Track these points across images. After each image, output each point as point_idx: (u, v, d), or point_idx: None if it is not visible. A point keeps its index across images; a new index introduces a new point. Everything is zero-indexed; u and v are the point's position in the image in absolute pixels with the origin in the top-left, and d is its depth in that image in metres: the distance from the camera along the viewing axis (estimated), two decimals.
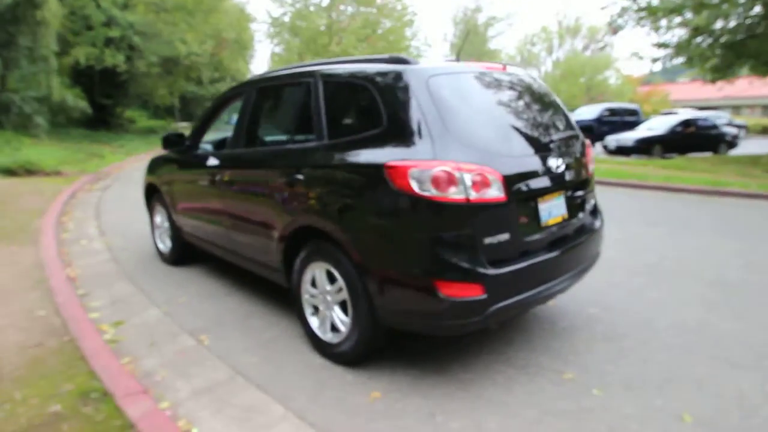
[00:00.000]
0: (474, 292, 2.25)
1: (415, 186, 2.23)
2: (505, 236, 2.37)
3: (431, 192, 2.22)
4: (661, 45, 13.10)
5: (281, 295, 3.88)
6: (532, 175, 2.51)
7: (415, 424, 2.29)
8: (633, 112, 18.59)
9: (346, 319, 2.71)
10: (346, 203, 2.53)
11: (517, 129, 2.61)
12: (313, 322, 2.95)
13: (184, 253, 4.60)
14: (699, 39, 11.99)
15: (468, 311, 2.27)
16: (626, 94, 35.34)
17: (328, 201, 2.62)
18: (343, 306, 2.74)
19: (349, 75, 2.73)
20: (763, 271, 4.37)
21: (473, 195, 2.24)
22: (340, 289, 2.69)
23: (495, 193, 2.31)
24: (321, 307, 2.87)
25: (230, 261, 3.86)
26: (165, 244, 4.76)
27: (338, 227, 2.56)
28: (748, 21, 11.17)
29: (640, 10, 11.99)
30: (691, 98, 35.89)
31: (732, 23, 11.57)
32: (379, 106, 2.49)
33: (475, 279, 2.25)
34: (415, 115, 2.35)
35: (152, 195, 4.88)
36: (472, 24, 46.04)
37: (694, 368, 2.71)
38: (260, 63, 53.36)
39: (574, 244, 2.76)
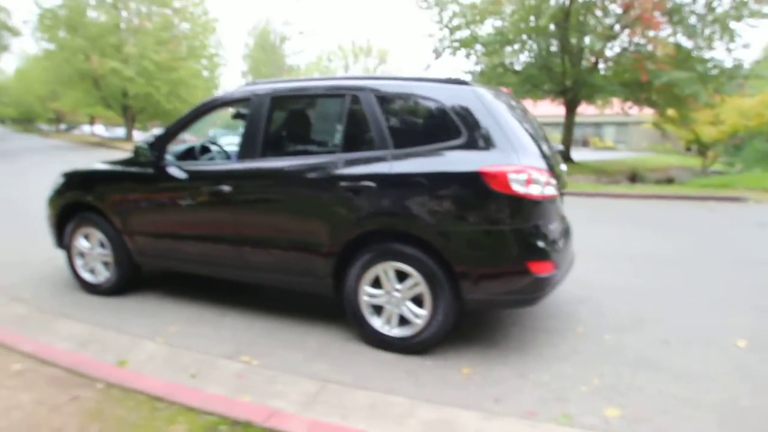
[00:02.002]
0: (550, 269, 2.85)
1: (514, 187, 2.72)
2: (555, 224, 3.03)
3: (523, 191, 2.74)
4: (468, 72, 15.86)
5: (281, 304, 3.85)
6: (559, 177, 3.23)
7: (518, 385, 2.75)
8: None
9: (423, 312, 3.00)
10: (434, 206, 2.84)
11: (536, 139, 3.30)
12: (375, 321, 3.13)
13: (132, 279, 4.04)
14: (500, 70, 14.88)
15: (544, 284, 2.85)
16: None
17: (410, 205, 2.88)
18: (414, 300, 3.02)
19: (413, 91, 3.03)
20: None
21: (545, 191, 2.84)
22: (415, 285, 2.97)
23: (553, 190, 2.95)
24: (387, 306, 3.08)
25: (227, 277, 3.64)
26: (98, 273, 4.07)
27: (426, 228, 2.85)
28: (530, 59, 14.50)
29: (454, 41, 14.34)
30: None
31: (523, 58, 14.75)
32: (454, 119, 2.89)
33: (550, 257, 2.85)
34: (492, 127, 2.84)
35: (70, 217, 4.10)
36: (265, 38, 46.41)
37: None
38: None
39: (569, 236, 3.58)
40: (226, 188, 3.35)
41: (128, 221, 3.80)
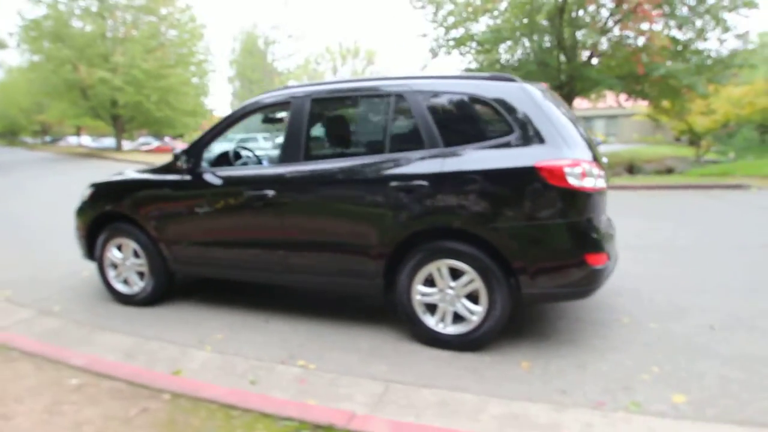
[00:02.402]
0: (604, 260, 2.87)
1: (571, 181, 2.74)
2: (605, 216, 3.05)
3: (578, 184, 2.76)
4: (467, 70, 15.95)
5: (321, 307, 3.84)
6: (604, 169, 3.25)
7: (579, 376, 2.77)
8: None
9: (478, 308, 3.00)
10: (490, 202, 2.86)
11: (581, 132, 3.31)
12: (429, 320, 3.13)
13: (167, 288, 4.00)
14: (497, 66, 14.96)
15: (599, 276, 2.87)
16: None
17: (465, 203, 2.89)
18: (469, 297, 3.03)
19: (460, 89, 3.04)
20: None
21: (597, 184, 2.87)
22: (470, 282, 2.98)
23: (603, 182, 2.98)
24: (441, 304, 3.08)
25: (268, 282, 3.64)
26: (132, 283, 4.02)
27: (482, 225, 2.86)
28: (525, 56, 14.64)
29: (449, 41, 14.42)
30: None
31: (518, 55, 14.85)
32: (504, 115, 2.90)
33: (604, 249, 2.87)
34: (542, 122, 2.85)
35: (101, 228, 4.05)
36: (252, 42, 46.24)
37: None
38: None
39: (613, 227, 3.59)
40: (269, 193, 3.33)
41: (165, 230, 3.76)
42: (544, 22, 13.81)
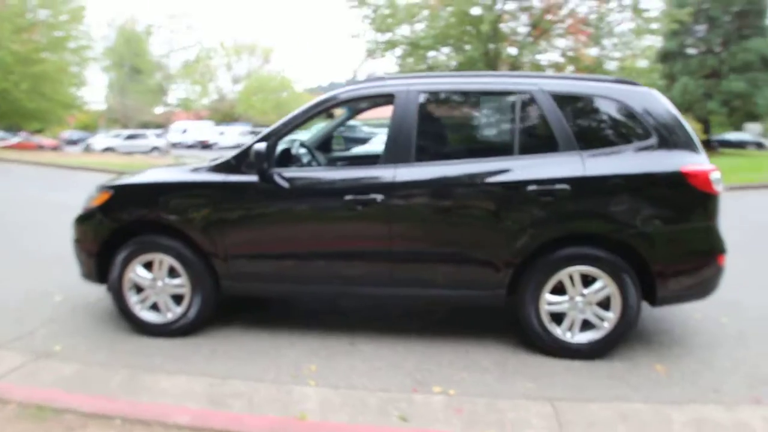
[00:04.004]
0: (724, 261, 2.96)
1: (714, 186, 2.77)
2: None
3: (716, 189, 2.81)
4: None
5: (400, 323, 3.51)
6: None
7: (715, 374, 2.82)
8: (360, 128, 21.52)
9: (610, 315, 2.92)
10: (635, 207, 2.80)
11: None
12: (556, 330, 2.97)
13: (214, 311, 3.34)
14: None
15: (720, 275, 2.96)
16: None
17: (608, 207, 2.80)
18: (600, 304, 2.93)
19: (594, 92, 2.94)
20: None
21: (720, 188, 2.95)
22: (603, 288, 2.89)
23: (722, 187, 3.07)
24: (571, 312, 2.95)
25: (361, 296, 3.22)
26: (166, 309, 3.28)
27: (626, 230, 2.79)
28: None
29: (385, 43, 14.41)
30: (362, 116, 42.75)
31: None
32: (641, 119, 2.87)
33: (725, 251, 2.96)
34: (675, 127, 2.88)
35: (120, 242, 3.25)
36: (129, 31, 41.91)
37: None
38: None
39: None
40: (378, 198, 2.91)
41: (223, 241, 3.11)
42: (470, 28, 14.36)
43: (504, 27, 15.40)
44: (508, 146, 2.96)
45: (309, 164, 3.65)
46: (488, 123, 3.15)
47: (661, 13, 13.47)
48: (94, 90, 61.24)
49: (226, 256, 3.14)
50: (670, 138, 2.86)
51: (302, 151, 3.72)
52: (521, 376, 2.83)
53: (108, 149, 26.37)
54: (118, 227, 3.25)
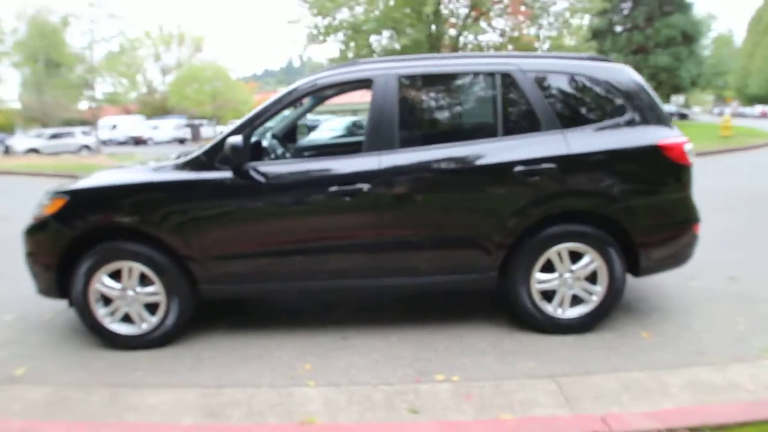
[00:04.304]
0: (698, 230, 3.11)
1: (688, 157, 2.88)
2: None
3: (691, 159, 2.93)
4: (332, 59, 15.84)
5: (387, 313, 3.47)
6: None
7: (695, 337, 2.98)
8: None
9: (598, 288, 2.99)
10: (617, 182, 2.86)
11: None
12: (547, 307, 3.01)
13: (192, 318, 3.14)
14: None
15: (695, 243, 3.11)
16: (248, 102, 38.18)
17: (594, 184, 2.86)
18: (588, 279, 3.00)
19: (571, 69, 2.95)
20: None
21: (692, 159, 3.08)
22: (590, 263, 2.95)
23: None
24: (561, 289, 3.00)
25: (349, 289, 3.14)
26: (140, 320, 3.04)
27: (610, 205, 2.85)
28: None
29: (327, 27, 14.07)
30: None
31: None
32: (617, 96, 2.93)
33: (700, 220, 3.10)
34: (647, 102, 2.96)
35: (81, 252, 2.97)
36: (42, 23, 38.55)
37: None
38: None
39: None
40: (364, 187, 2.81)
41: (201, 243, 2.91)
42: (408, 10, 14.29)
43: (443, 9, 15.46)
44: (491, 128, 2.93)
45: (282, 156, 3.48)
46: (470, 105, 3.11)
47: None
48: (7, 88, 55.98)
49: (204, 258, 2.94)
50: (644, 113, 2.94)
51: (273, 142, 3.54)
52: (520, 355, 2.85)
53: (32, 150, 24.37)
54: (79, 236, 2.96)
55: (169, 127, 36.15)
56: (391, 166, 2.84)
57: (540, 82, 2.93)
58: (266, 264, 2.97)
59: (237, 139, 2.74)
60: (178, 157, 3.30)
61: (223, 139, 2.91)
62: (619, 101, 2.94)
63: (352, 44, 15.21)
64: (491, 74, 2.95)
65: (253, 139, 3.12)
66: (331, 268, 2.99)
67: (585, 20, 17.25)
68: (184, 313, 3.05)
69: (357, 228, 2.90)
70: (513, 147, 2.86)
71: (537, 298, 3.01)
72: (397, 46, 14.25)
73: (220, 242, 2.93)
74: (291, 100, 2.98)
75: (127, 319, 3.07)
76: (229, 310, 3.64)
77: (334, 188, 2.83)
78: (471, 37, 15.65)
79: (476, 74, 3.00)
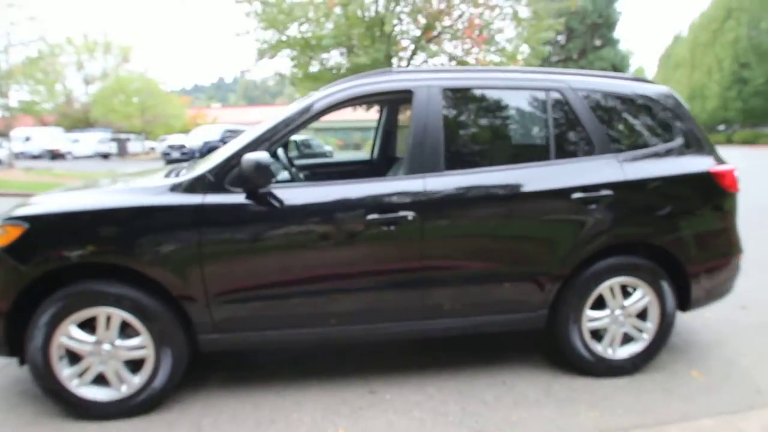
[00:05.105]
0: (741, 260, 2.99)
1: (738, 186, 2.75)
2: None
3: (739, 188, 2.81)
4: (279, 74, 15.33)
5: (396, 359, 3.05)
6: None
7: (744, 373, 2.82)
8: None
9: (649, 325, 2.77)
10: (670, 209, 2.66)
11: None
12: (597, 347, 2.75)
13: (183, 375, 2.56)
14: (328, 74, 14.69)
15: (737, 275, 2.97)
16: (180, 117, 36.27)
17: (650, 212, 2.66)
18: (638, 315, 2.78)
19: (623, 91, 2.77)
20: None
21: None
22: (642, 297, 2.73)
23: None
24: (612, 327, 2.74)
25: (383, 336, 2.67)
26: (118, 381, 2.42)
27: (666, 235, 2.66)
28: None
29: (271, 42, 13.60)
30: (235, 121, 39.89)
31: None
32: (667, 120, 2.78)
33: (742, 250, 2.97)
34: (694, 128, 2.83)
35: (39, 297, 2.33)
36: None
37: None
38: None
39: None
40: (408, 215, 2.41)
41: (202, 279, 2.36)
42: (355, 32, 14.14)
43: (396, 29, 15.46)
44: (543, 150, 2.66)
45: (295, 177, 3.00)
46: (519, 124, 2.80)
47: (539, 22, 14.51)
48: None
49: (207, 300, 2.39)
50: (691, 138, 2.80)
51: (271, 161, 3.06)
52: (578, 404, 2.54)
53: None
54: (41, 275, 2.31)
55: (92, 141, 33.43)
56: (438, 190, 2.46)
57: (591, 102, 2.70)
58: (286, 305, 2.47)
59: (262, 156, 2.25)
60: (168, 174, 2.74)
61: (233, 156, 2.42)
62: (668, 125, 2.78)
63: (302, 59, 14.77)
64: (541, 91, 2.69)
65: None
66: (366, 309, 2.54)
67: (526, 48, 17.98)
68: (177, 371, 2.46)
69: (398, 262, 2.49)
70: (568, 171, 2.60)
71: (587, 337, 2.73)
72: (348, 65, 14.00)
73: (230, 279, 2.40)
74: (323, 110, 2.53)
75: (101, 380, 2.43)
76: (221, 357, 3.06)
77: (373, 216, 2.41)
78: (421, 58, 15.74)
79: (525, 90, 2.72)
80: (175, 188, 2.42)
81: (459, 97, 2.65)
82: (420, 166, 2.50)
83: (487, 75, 2.74)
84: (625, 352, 2.79)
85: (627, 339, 2.81)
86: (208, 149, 17.89)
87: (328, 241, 2.44)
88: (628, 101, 2.78)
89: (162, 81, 39.14)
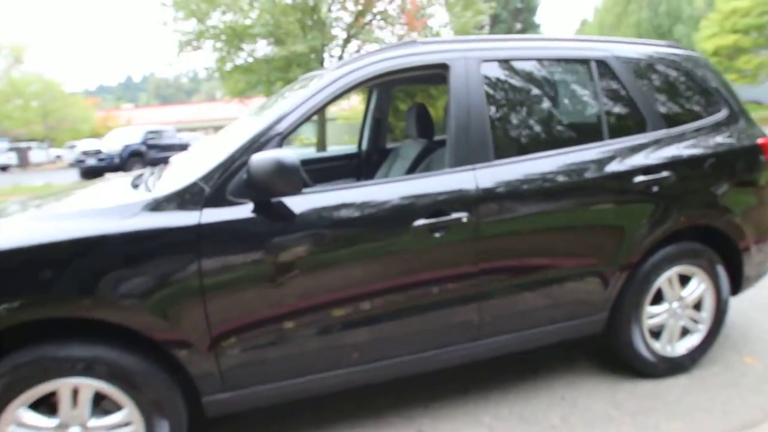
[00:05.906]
0: None
1: None
2: None
3: None
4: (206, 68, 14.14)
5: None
6: None
7: None
8: (173, 134, 18.67)
9: (704, 315, 2.53)
10: (723, 187, 2.44)
11: None
12: (656, 345, 2.47)
13: None
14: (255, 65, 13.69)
15: None
16: (89, 120, 33.09)
17: (708, 192, 2.41)
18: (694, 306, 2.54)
19: (664, 58, 2.47)
20: None
21: None
22: (698, 285, 2.49)
23: None
24: (670, 321, 2.48)
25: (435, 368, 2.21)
26: None
27: (725, 215, 2.43)
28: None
29: (194, 33, 12.48)
30: (154, 121, 36.92)
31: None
32: (711, 90, 2.53)
33: None
34: (735, 96, 2.61)
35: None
36: None
37: None
38: None
39: None
40: (462, 217, 1.96)
41: (205, 322, 1.78)
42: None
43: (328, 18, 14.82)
44: (595, 129, 2.30)
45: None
46: (567, 100, 2.42)
47: (469, 7, 14.48)
48: None
49: (210, 345, 1.81)
50: (735, 108, 2.58)
51: None
52: (652, 414, 2.24)
53: None
54: None
55: None
56: (492, 185, 2.04)
57: (636, 73, 2.39)
58: (318, 342, 1.94)
59: (284, 154, 1.70)
60: (136, 186, 2.11)
61: (234, 157, 1.85)
62: (712, 96, 2.54)
63: (228, 50, 13.72)
64: (585, 61, 2.33)
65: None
66: (413, 335, 2.07)
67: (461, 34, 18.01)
68: None
69: (451, 273, 2.04)
70: (626, 152, 2.27)
71: (648, 336, 2.45)
72: (284, 54, 13.17)
73: (240, 314, 1.83)
74: (343, 91, 1.99)
75: None
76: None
77: (420, 222, 1.93)
78: (354, 46, 15.24)
79: (568, 61, 2.35)
80: (152, 206, 1.80)
81: (499, 70, 2.22)
82: (467, 156, 2.05)
83: (522, 44, 2.34)
84: (682, 347, 2.54)
85: (682, 333, 2.57)
86: (129, 153, 16.23)
87: (366, 256, 1.94)
88: (670, 70, 2.50)
89: (62, 82, 35.49)
